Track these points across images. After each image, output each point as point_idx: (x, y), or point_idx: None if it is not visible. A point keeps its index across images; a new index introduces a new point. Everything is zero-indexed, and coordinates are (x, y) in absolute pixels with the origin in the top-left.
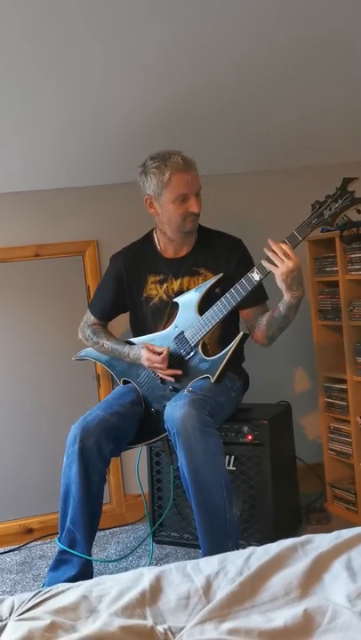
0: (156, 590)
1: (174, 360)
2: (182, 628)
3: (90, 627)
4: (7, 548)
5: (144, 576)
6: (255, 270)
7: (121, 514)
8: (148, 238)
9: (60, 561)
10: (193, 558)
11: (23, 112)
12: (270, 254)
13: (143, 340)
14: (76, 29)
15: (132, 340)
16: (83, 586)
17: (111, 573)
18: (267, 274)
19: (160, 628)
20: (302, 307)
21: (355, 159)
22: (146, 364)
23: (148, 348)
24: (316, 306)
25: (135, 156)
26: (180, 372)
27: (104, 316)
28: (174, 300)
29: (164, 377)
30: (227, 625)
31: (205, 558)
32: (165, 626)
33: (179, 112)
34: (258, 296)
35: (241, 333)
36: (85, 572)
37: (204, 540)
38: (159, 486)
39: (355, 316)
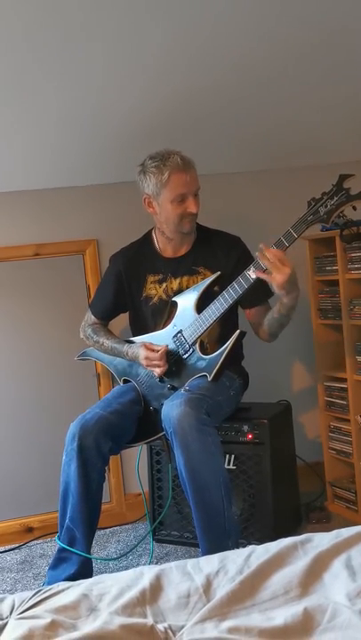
0: (156, 589)
1: (173, 359)
2: (182, 627)
3: (90, 625)
4: (7, 547)
5: (144, 575)
6: (252, 268)
7: (121, 513)
8: (147, 238)
9: (60, 559)
10: (193, 557)
11: (23, 111)
12: (266, 263)
13: (142, 339)
14: (76, 29)
15: (131, 339)
16: (83, 584)
17: (111, 572)
18: (251, 282)
19: (160, 627)
20: (302, 306)
21: (354, 158)
22: (144, 362)
23: (147, 347)
24: (317, 305)
25: (135, 156)
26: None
27: (104, 316)
28: (173, 299)
29: (157, 374)
30: (227, 623)
31: (206, 557)
32: (166, 624)
33: (179, 112)
34: (261, 295)
35: (238, 331)
36: (85, 571)
37: (203, 538)
38: (159, 485)
39: (355, 315)
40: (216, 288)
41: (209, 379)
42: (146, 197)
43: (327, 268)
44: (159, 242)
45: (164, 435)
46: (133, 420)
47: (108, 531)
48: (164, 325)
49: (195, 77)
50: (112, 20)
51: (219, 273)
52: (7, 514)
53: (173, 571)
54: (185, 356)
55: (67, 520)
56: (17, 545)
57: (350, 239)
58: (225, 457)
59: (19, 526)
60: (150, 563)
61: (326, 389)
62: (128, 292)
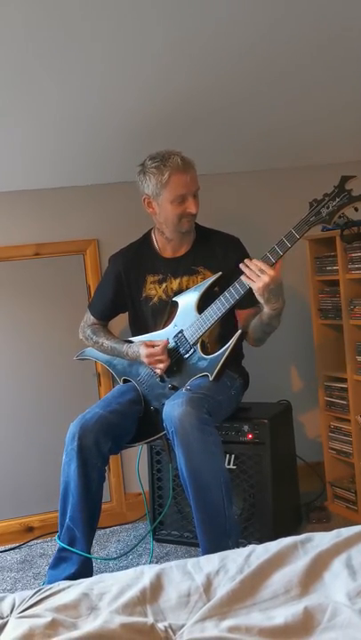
0: (156, 588)
1: (173, 358)
2: (183, 626)
3: (91, 624)
4: (8, 547)
5: (145, 574)
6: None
7: (121, 512)
8: (146, 238)
9: (60, 559)
10: (193, 556)
11: (24, 111)
12: (246, 270)
13: (142, 339)
14: (77, 29)
15: (131, 339)
16: (83, 584)
17: (111, 572)
18: (248, 288)
19: (161, 626)
20: (303, 306)
21: (355, 159)
22: (146, 360)
23: (147, 344)
24: (317, 305)
25: (136, 155)
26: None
27: (104, 317)
28: (173, 299)
29: (161, 371)
30: (227, 622)
31: (206, 556)
32: (166, 623)
33: (179, 112)
34: (251, 299)
35: (239, 331)
36: (85, 570)
37: (203, 538)
38: (160, 485)
39: (355, 315)
40: (216, 288)
41: (210, 378)
42: (145, 197)
43: (328, 268)
44: (158, 242)
45: (164, 434)
46: (133, 420)
47: (108, 530)
48: (165, 325)
49: (195, 77)
50: (113, 21)
51: (220, 273)
52: (7, 513)
53: (174, 570)
54: (186, 356)
55: (67, 519)
56: (17, 544)
57: (351, 239)
58: (225, 457)
59: (19, 526)
60: (150, 562)
61: (327, 389)
62: (128, 293)
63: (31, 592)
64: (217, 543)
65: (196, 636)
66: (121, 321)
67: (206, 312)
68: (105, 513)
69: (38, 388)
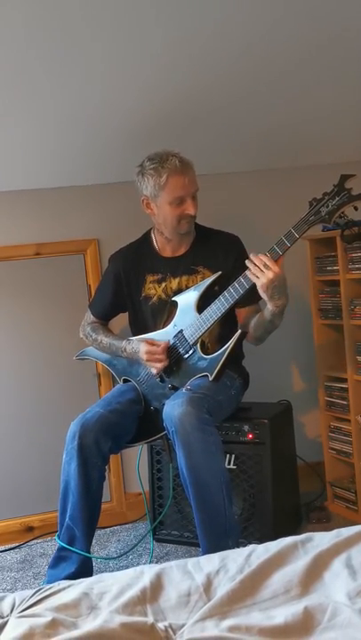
0: (156, 588)
1: (173, 358)
2: (183, 626)
3: (91, 624)
4: (8, 546)
5: (145, 574)
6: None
7: (121, 512)
8: (146, 238)
9: (60, 558)
10: (193, 556)
11: (24, 111)
12: (251, 266)
13: (142, 338)
14: (76, 29)
15: (131, 338)
16: (84, 583)
17: (111, 571)
18: (251, 282)
19: (161, 626)
20: (303, 306)
21: (355, 159)
22: (145, 357)
23: (148, 342)
24: (317, 305)
25: (136, 155)
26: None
27: (103, 316)
28: (173, 298)
29: (157, 370)
30: (227, 622)
31: (206, 556)
32: (166, 623)
33: (179, 111)
34: (251, 297)
35: (239, 331)
36: (85, 570)
37: (204, 538)
38: (160, 485)
39: (355, 316)
40: (216, 288)
41: (210, 378)
42: (144, 198)
43: (328, 268)
44: (158, 242)
45: (164, 434)
46: (133, 420)
47: (108, 530)
48: (164, 325)
49: (194, 77)
50: (112, 21)
51: (220, 273)
52: (7, 513)
53: (174, 570)
54: (186, 356)
55: (67, 519)
56: (17, 544)
57: (351, 239)
58: (225, 456)
59: (19, 525)
60: (150, 562)
61: (327, 389)
62: (127, 292)
63: (31, 592)
64: (217, 543)
65: (197, 636)
66: (122, 320)
67: (206, 312)
68: (105, 513)
69: (38, 387)
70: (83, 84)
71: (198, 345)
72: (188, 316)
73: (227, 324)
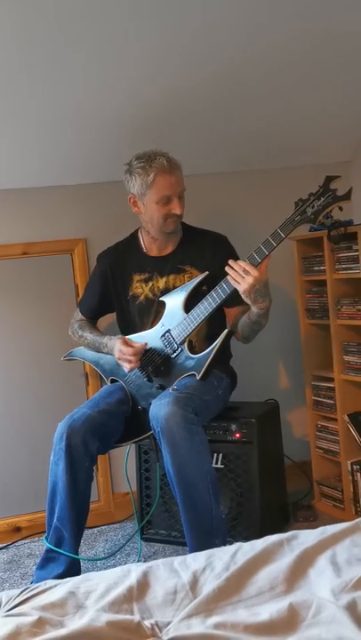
0: (143, 586)
1: (161, 358)
2: (169, 623)
3: (77, 622)
4: None
5: (131, 572)
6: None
7: (109, 512)
8: (133, 237)
9: (48, 559)
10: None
11: (11, 109)
12: (231, 272)
13: (130, 338)
14: (64, 27)
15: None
16: (70, 582)
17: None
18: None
19: (147, 623)
20: (290, 305)
21: (339, 160)
22: (116, 355)
23: (125, 341)
24: (304, 305)
25: (124, 155)
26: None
27: (91, 314)
28: (161, 298)
29: (127, 370)
30: (213, 619)
31: (193, 554)
32: (152, 621)
33: (167, 111)
34: (239, 297)
35: (226, 330)
36: (73, 570)
37: (191, 537)
38: (147, 484)
39: (342, 315)
40: (204, 287)
41: (197, 377)
42: (131, 197)
43: (315, 269)
44: (145, 241)
45: (152, 434)
46: (121, 420)
47: (95, 530)
48: (152, 325)
49: (182, 78)
50: (100, 18)
51: (207, 272)
52: None
53: (160, 568)
54: (173, 356)
55: (55, 520)
56: (4, 545)
57: (338, 239)
58: (213, 456)
59: (6, 526)
60: (138, 562)
61: (314, 389)
62: (114, 292)
63: (18, 591)
64: (204, 542)
65: (183, 633)
66: (110, 317)
67: (193, 311)
68: (93, 512)
69: (26, 387)
70: (70, 83)
71: (186, 344)
72: (175, 315)
73: (214, 323)
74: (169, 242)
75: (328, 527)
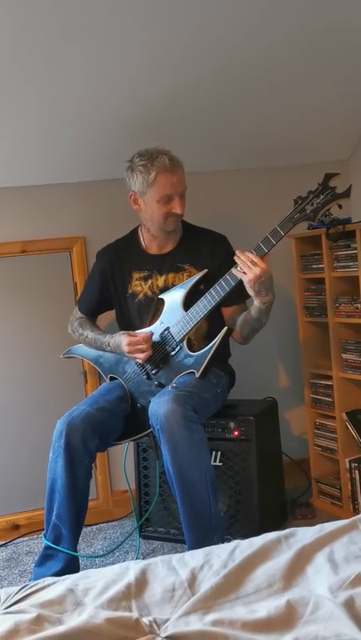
0: (141, 583)
1: (160, 356)
2: (167, 620)
3: (76, 619)
4: None
5: (130, 569)
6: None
7: (108, 510)
8: (133, 235)
9: (46, 556)
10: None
11: (10, 107)
12: (238, 262)
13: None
14: (64, 24)
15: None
16: (69, 579)
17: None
18: (238, 280)
19: (145, 620)
20: (288, 304)
21: (339, 157)
22: (126, 349)
23: (130, 334)
24: (303, 303)
25: (123, 153)
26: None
27: (90, 312)
28: (160, 296)
29: (141, 360)
30: (211, 616)
31: (191, 552)
32: (151, 618)
33: (167, 110)
34: (237, 295)
35: (225, 328)
36: (71, 568)
37: (190, 535)
38: (146, 482)
39: (340, 313)
40: (202, 286)
41: (197, 375)
42: (132, 194)
43: (313, 266)
44: (145, 239)
45: (151, 432)
46: (120, 417)
47: (94, 527)
48: (151, 323)
49: (182, 76)
50: (99, 18)
51: (206, 270)
52: None
53: (159, 565)
54: (172, 354)
55: (53, 517)
56: (3, 542)
57: (336, 237)
58: (211, 454)
59: (5, 523)
60: (137, 559)
61: (312, 386)
62: (113, 289)
63: (16, 588)
64: (203, 540)
65: (181, 630)
66: (109, 315)
67: (193, 309)
68: (91, 510)
69: (25, 385)
70: (70, 81)
71: (185, 342)
72: (174, 313)
73: (213, 321)
74: (169, 240)
75: (326, 525)
